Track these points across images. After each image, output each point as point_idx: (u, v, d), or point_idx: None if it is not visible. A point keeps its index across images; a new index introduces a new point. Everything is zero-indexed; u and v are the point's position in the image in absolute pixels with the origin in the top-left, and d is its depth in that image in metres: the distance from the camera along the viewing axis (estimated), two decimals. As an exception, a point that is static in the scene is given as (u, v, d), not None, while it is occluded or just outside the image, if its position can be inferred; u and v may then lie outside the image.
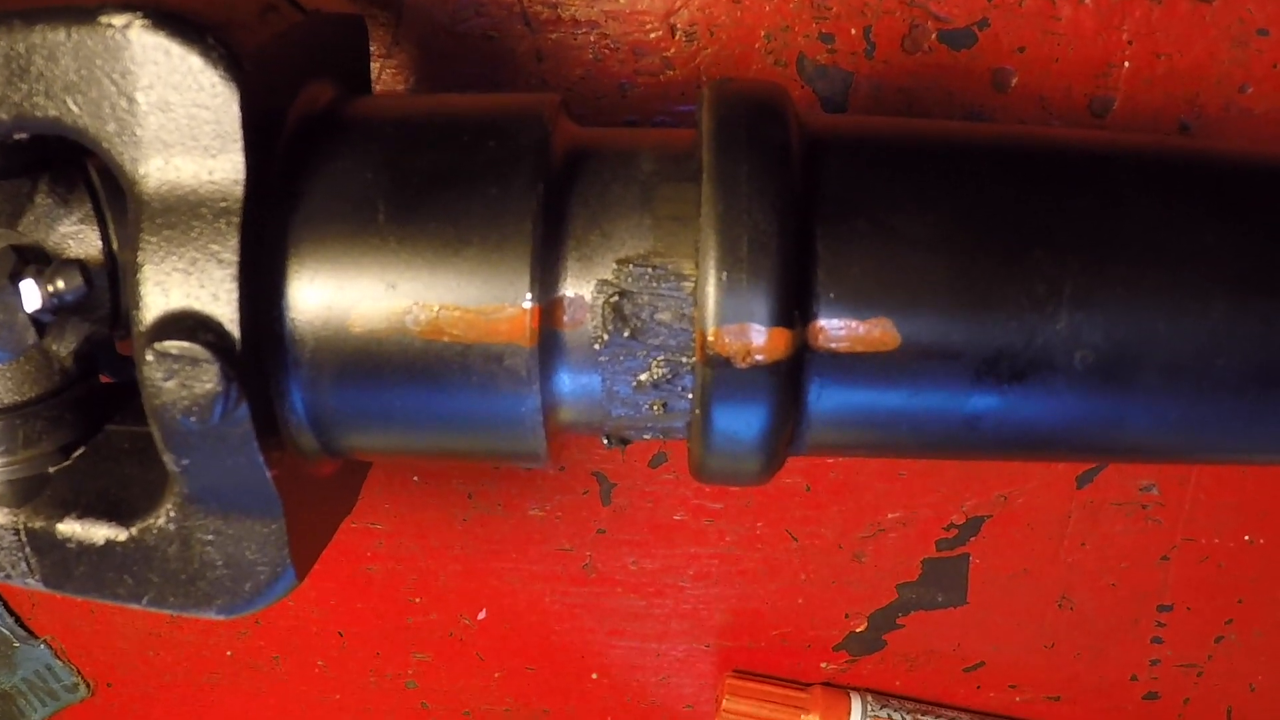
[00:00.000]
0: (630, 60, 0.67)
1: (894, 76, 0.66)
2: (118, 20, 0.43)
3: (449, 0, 0.66)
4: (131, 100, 0.44)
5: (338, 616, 0.92)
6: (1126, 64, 0.65)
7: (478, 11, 0.66)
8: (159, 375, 0.43)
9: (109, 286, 0.52)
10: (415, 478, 0.83)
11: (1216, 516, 0.81)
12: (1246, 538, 0.82)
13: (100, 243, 0.52)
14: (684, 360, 0.47)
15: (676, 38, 0.66)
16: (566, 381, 0.48)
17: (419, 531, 0.86)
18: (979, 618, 0.87)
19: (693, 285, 0.46)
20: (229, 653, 0.96)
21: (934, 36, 0.65)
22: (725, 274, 0.44)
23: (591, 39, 0.67)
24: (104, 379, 0.58)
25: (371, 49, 0.66)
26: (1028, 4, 0.64)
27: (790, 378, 0.46)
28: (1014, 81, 0.66)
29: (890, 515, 0.82)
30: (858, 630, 0.89)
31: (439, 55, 0.67)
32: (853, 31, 0.65)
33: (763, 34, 0.66)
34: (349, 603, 0.91)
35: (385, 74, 0.68)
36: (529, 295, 0.45)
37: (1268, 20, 0.64)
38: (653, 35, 0.66)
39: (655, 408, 0.48)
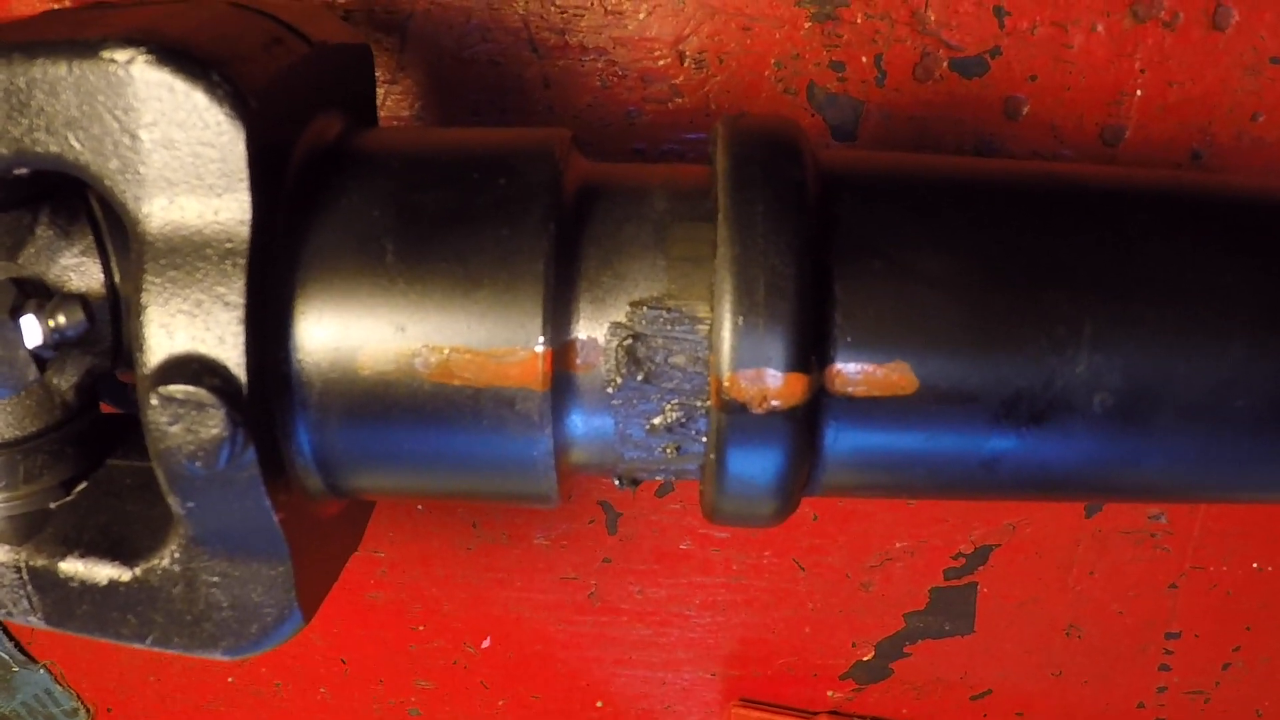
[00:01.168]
0: (638, 87, 0.66)
1: (905, 105, 0.66)
2: (120, 55, 0.43)
3: (455, 26, 0.65)
4: (135, 137, 0.43)
5: (340, 643, 0.92)
6: (1138, 92, 0.65)
7: (484, 37, 0.65)
8: (164, 420, 0.42)
9: (110, 320, 0.51)
10: (419, 506, 0.82)
11: (1225, 544, 0.81)
12: (1255, 565, 0.82)
13: (102, 275, 0.51)
14: (698, 404, 0.46)
15: (685, 65, 0.65)
16: (579, 424, 0.47)
17: (423, 559, 0.85)
18: (986, 646, 0.87)
19: (708, 328, 0.45)
20: (230, 679, 0.96)
21: (945, 65, 0.64)
22: (741, 318, 0.43)
23: (599, 66, 0.66)
24: (105, 408, 0.57)
25: (377, 75, 0.65)
26: (1040, 32, 0.63)
27: (806, 422, 0.45)
28: (1025, 110, 0.65)
29: (898, 544, 0.81)
30: (865, 659, 0.88)
31: (444, 81, 0.67)
32: (864, 59, 0.65)
33: (773, 61, 0.65)
34: (352, 630, 0.90)
35: (390, 100, 0.67)
36: (542, 338, 0.44)
37: (1280, 48, 0.63)
38: (661, 62, 0.65)
39: (668, 451, 0.47)
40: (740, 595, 0.85)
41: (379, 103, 0.66)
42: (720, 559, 0.83)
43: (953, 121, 0.66)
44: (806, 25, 0.64)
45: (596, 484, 0.80)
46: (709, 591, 0.85)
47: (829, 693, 0.91)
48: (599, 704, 0.93)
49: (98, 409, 0.56)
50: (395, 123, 0.68)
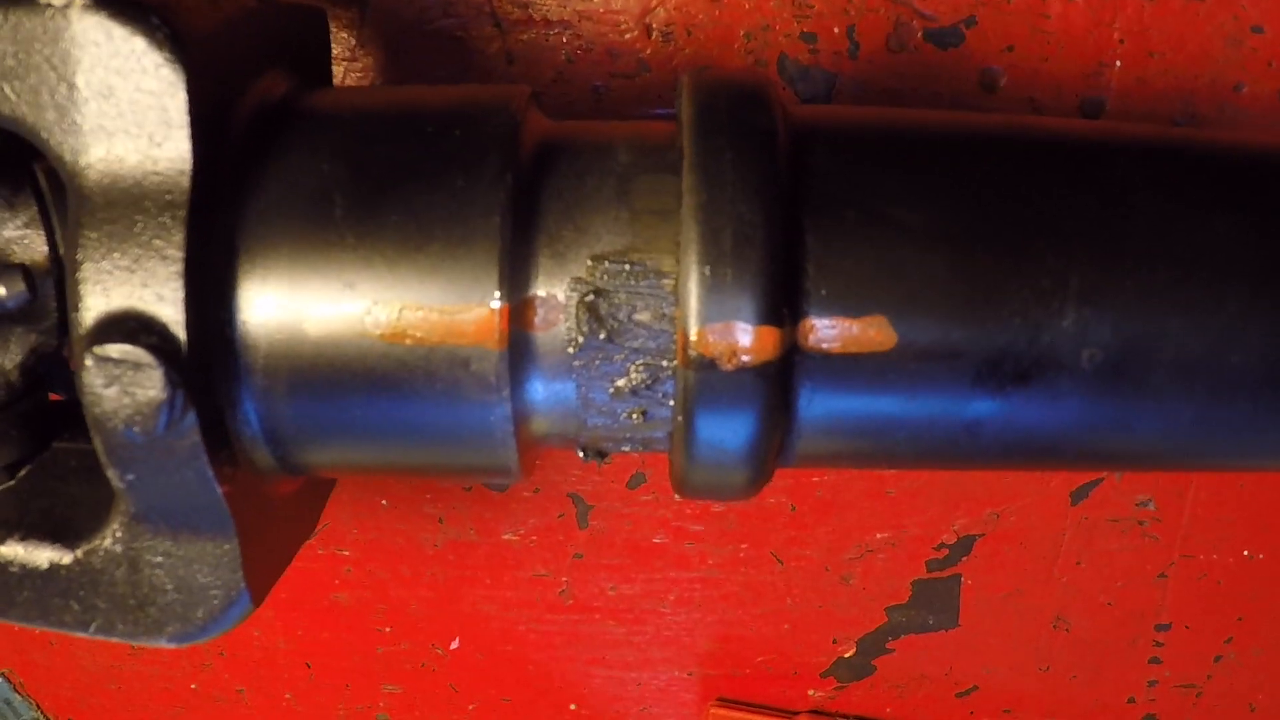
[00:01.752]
0: (605, 62, 0.65)
1: (879, 77, 0.64)
2: (57, 0, 0.41)
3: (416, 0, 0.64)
4: (72, 86, 0.42)
5: (305, 647, 0.90)
6: (1118, 63, 0.63)
7: (446, 11, 0.64)
8: (99, 381, 0.40)
9: (56, 295, 0.49)
10: (384, 501, 0.80)
11: (1215, 532, 0.80)
12: (1245, 553, 0.81)
13: (47, 248, 0.49)
14: (664, 364, 0.44)
15: (653, 38, 0.64)
16: (539, 388, 0.45)
17: (388, 558, 0.83)
18: (971, 640, 0.85)
19: (673, 282, 0.43)
20: (193, 685, 0.94)
21: (919, 35, 0.63)
22: (708, 269, 0.41)
23: (564, 40, 0.64)
24: (53, 396, 0.55)
25: (335, 50, 0.64)
26: (1016, 1, 0.62)
27: (779, 381, 0.43)
28: (1002, 81, 0.64)
29: (878, 535, 0.80)
30: (846, 655, 0.87)
31: (406, 57, 0.65)
32: (835, 30, 0.63)
33: (742, 34, 0.63)
34: (316, 633, 0.89)
35: (350, 77, 0.66)
36: (497, 294, 0.42)
37: (1262, 17, 0.62)
38: (628, 36, 0.64)
39: (634, 416, 0.45)
40: (716, 591, 0.83)
41: (339, 80, 0.65)
42: (695, 553, 0.81)
43: (928, 94, 0.65)
44: (777, -5, 0.63)
45: (566, 475, 0.78)
46: (684, 587, 0.83)
47: (810, 691, 0.89)
48: (573, 706, 0.91)
49: (43, 390, 0.54)
50: (354, 99, 0.66)
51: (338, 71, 0.65)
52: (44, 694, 0.97)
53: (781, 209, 0.42)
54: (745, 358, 0.42)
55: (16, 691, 0.97)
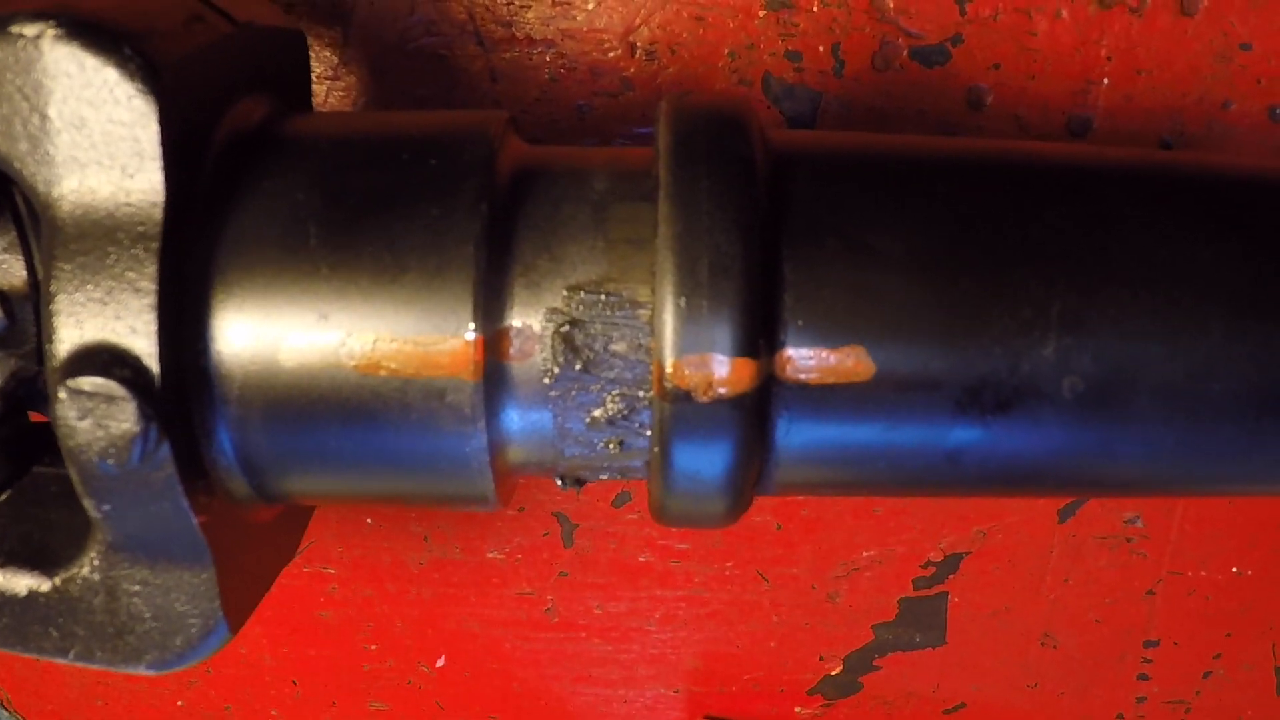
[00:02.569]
0: (588, 81, 0.64)
1: (864, 95, 0.64)
2: (29, 30, 0.41)
3: (398, 18, 0.63)
4: (44, 117, 0.41)
5: (291, 664, 0.89)
6: (1105, 81, 0.63)
7: (429, 30, 0.63)
8: (73, 414, 0.40)
9: (35, 319, 0.49)
10: (369, 520, 0.80)
11: (1203, 548, 0.79)
12: (1234, 570, 0.80)
13: (25, 273, 0.49)
14: (641, 394, 0.44)
15: (636, 57, 0.64)
16: (515, 418, 0.45)
17: (374, 576, 0.83)
18: (959, 658, 0.85)
19: (649, 313, 0.43)
20: (180, 703, 0.94)
21: (905, 54, 0.63)
22: (684, 300, 0.41)
23: (548, 59, 0.64)
24: (35, 417, 0.55)
25: (318, 70, 0.64)
26: (1002, 19, 0.62)
27: (756, 412, 0.43)
28: (989, 99, 0.64)
29: (865, 553, 0.79)
30: (833, 673, 0.86)
31: (389, 76, 0.65)
32: (821, 49, 0.63)
33: (726, 52, 0.63)
34: (302, 650, 0.88)
35: (333, 96, 0.65)
36: (472, 325, 0.42)
37: (1251, 34, 0.62)
38: (611, 55, 0.64)
39: (611, 446, 0.45)
40: (702, 609, 0.83)
41: (321, 100, 0.65)
42: (681, 571, 0.81)
43: (914, 112, 0.64)
44: (761, 14, 0.62)
45: (551, 495, 0.78)
46: (670, 605, 0.83)
47: (796, 709, 0.89)
48: (559, 723, 0.91)
49: (24, 415, 0.54)
50: (336, 118, 0.66)
51: (321, 91, 0.65)
52: (32, 711, 0.97)
53: (758, 238, 0.42)
54: (721, 389, 0.41)
55: (4, 708, 0.96)
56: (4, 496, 0.52)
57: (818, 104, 0.64)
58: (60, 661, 0.48)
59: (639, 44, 0.63)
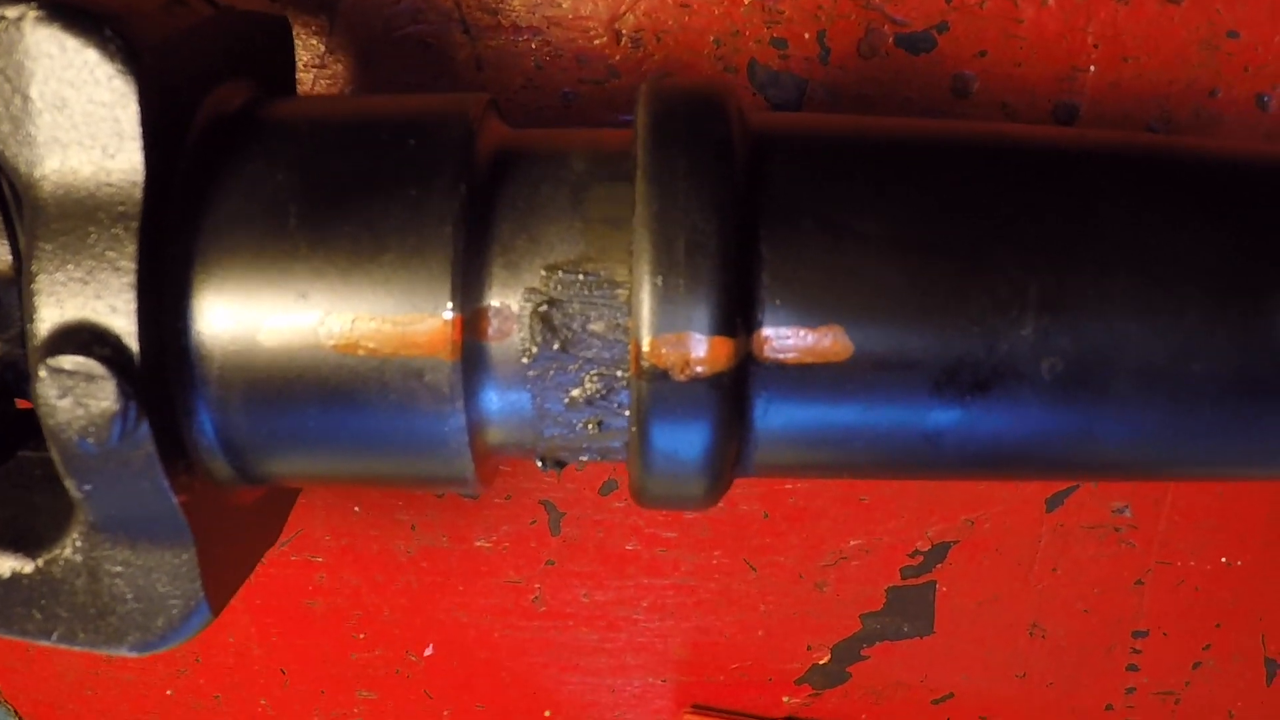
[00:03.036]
0: (573, 68, 0.64)
1: (850, 82, 0.64)
2: (10, 12, 0.41)
3: (384, 6, 0.63)
4: (25, 98, 0.41)
5: (280, 653, 0.89)
6: (1092, 68, 0.63)
7: (415, 18, 0.64)
8: (53, 393, 0.40)
9: (19, 304, 0.49)
10: (356, 508, 0.80)
11: (1192, 538, 0.79)
12: (1223, 559, 0.80)
13: (10, 258, 0.49)
14: (619, 374, 0.44)
15: (622, 44, 0.64)
16: (493, 399, 0.45)
17: (361, 565, 0.83)
18: (947, 647, 0.85)
19: (627, 292, 0.43)
20: (169, 692, 0.93)
21: (891, 40, 0.63)
22: (661, 279, 0.41)
23: (533, 46, 0.64)
24: (20, 404, 0.55)
25: (304, 58, 0.64)
26: (988, 6, 0.62)
27: (734, 391, 0.43)
28: (975, 87, 0.64)
29: (852, 542, 0.79)
30: (821, 662, 0.86)
31: (375, 63, 0.65)
32: (806, 36, 0.63)
33: (712, 39, 0.63)
34: (291, 639, 0.88)
35: (319, 84, 0.65)
36: (450, 305, 0.42)
37: (1237, 21, 0.62)
38: (597, 42, 0.64)
39: (590, 426, 0.45)
40: (690, 598, 0.83)
41: (307, 88, 0.65)
42: (668, 559, 0.81)
43: (900, 100, 0.64)
44: (747, 1, 0.62)
45: (538, 483, 0.78)
46: (657, 594, 0.83)
47: (784, 698, 0.89)
48: (547, 713, 0.91)
49: (9, 400, 0.54)
50: (323, 106, 0.66)
51: (307, 78, 0.65)
52: (21, 699, 0.97)
53: (735, 218, 0.42)
54: (699, 368, 0.41)
55: (-6, 698, 0.97)
56: (-11, 481, 0.52)
57: (803, 91, 0.64)
58: (44, 643, 0.48)
59: (624, 31, 0.63)
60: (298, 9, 0.64)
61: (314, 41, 0.64)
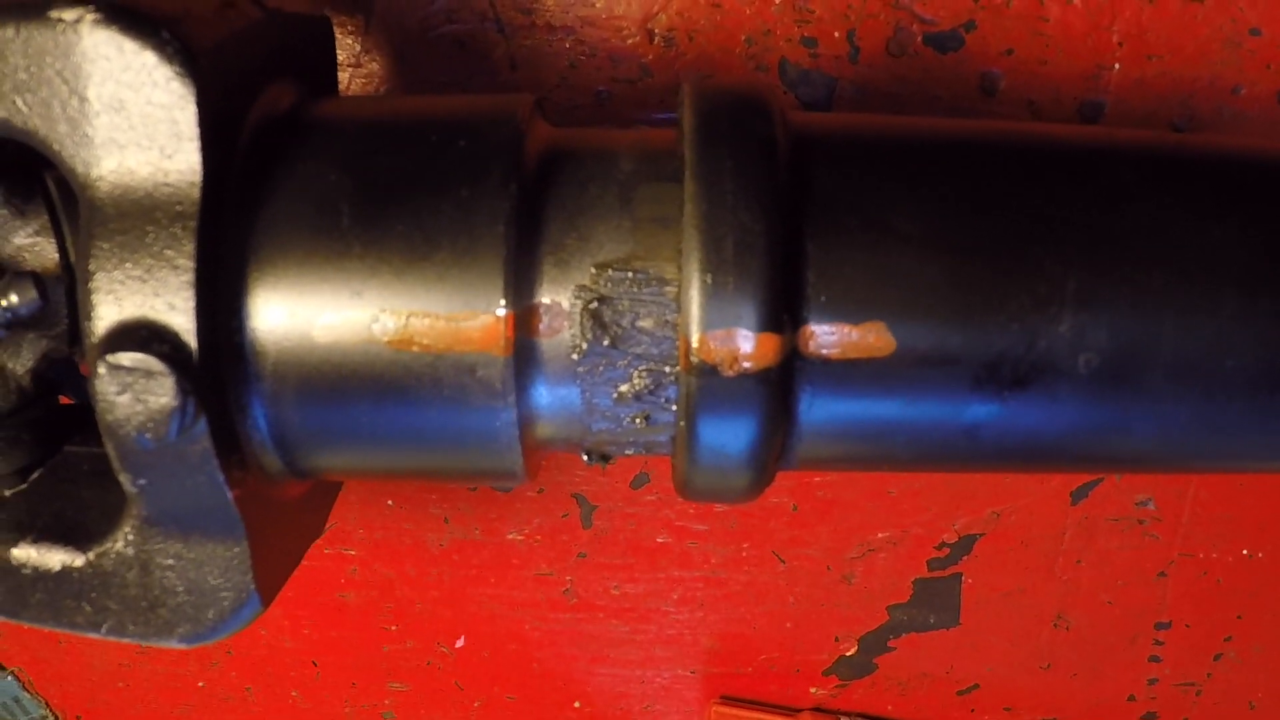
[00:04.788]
0: (607, 67, 0.65)
1: (879, 81, 0.64)
2: (68, 15, 0.41)
3: (419, 6, 0.64)
4: (83, 99, 0.42)
5: (312, 645, 0.90)
6: (1117, 66, 0.63)
7: (450, 18, 0.64)
8: (112, 389, 0.41)
9: (66, 301, 0.50)
10: (390, 502, 0.81)
11: (1215, 530, 0.80)
12: (1245, 552, 0.81)
13: (57, 255, 0.49)
14: (667, 369, 0.44)
15: (655, 43, 0.64)
16: (543, 394, 0.46)
17: (394, 557, 0.84)
18: (972, 639, 0.86)
19: (676, 290, 0.44)
20: (201, 683, 0.94)
21: (919, 39, 0.63)
22: (710, 277, 0.42)
23: (567, 45, 0.65)
24: (64, 400, 0.56)
25: (340, 57, 0.64)
26: (1015, 5, 0.62)
27: (780, 386, 0.43)
28: (1002, 85, 0.64)
29: (880, 535, 0.80)
30: (848, 654, 0.87)
31: (410, 62, 0.66)
32: (836, 35, 0.63)
33: (743, 38, 0.64)
34: (323, 631, 0.89)
35: (355, 83, 0.66)
36: (503, 302, 0.43)
37: (1260, 19, 0.62)
38: (630, 41, 0.64)
39: (637, 420, 0.46)
40: (719, 590, 0.84)
41: (344, 86, 0.65)
42: (698, 552, 0.82)
43: (928, 98, 0.65)
44: (777, 1, 0.63)
45: (570, 476, 0.79)
46: (687, 586, 0.83)
47: (811, 689, 0.90)
48: (576, 704, 0.91)
49: (55, 395, 0.55)
50: (359, 105, 0.66)
51: (343, 78, 0.65)
52: (53, 692, 0.98)
53: (782, 217, 0.43)
54: (746, 364, 0.42)
55: (26, 690, 0.97)
56: (36, 475, 0.53)
57: (833, 89, 0.65)
58: (93, 636, 0.49)
59: (657, 30, 0.64)
60: (334, 8, 0.64)
61: (350, 41, 0.65)
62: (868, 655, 0.87)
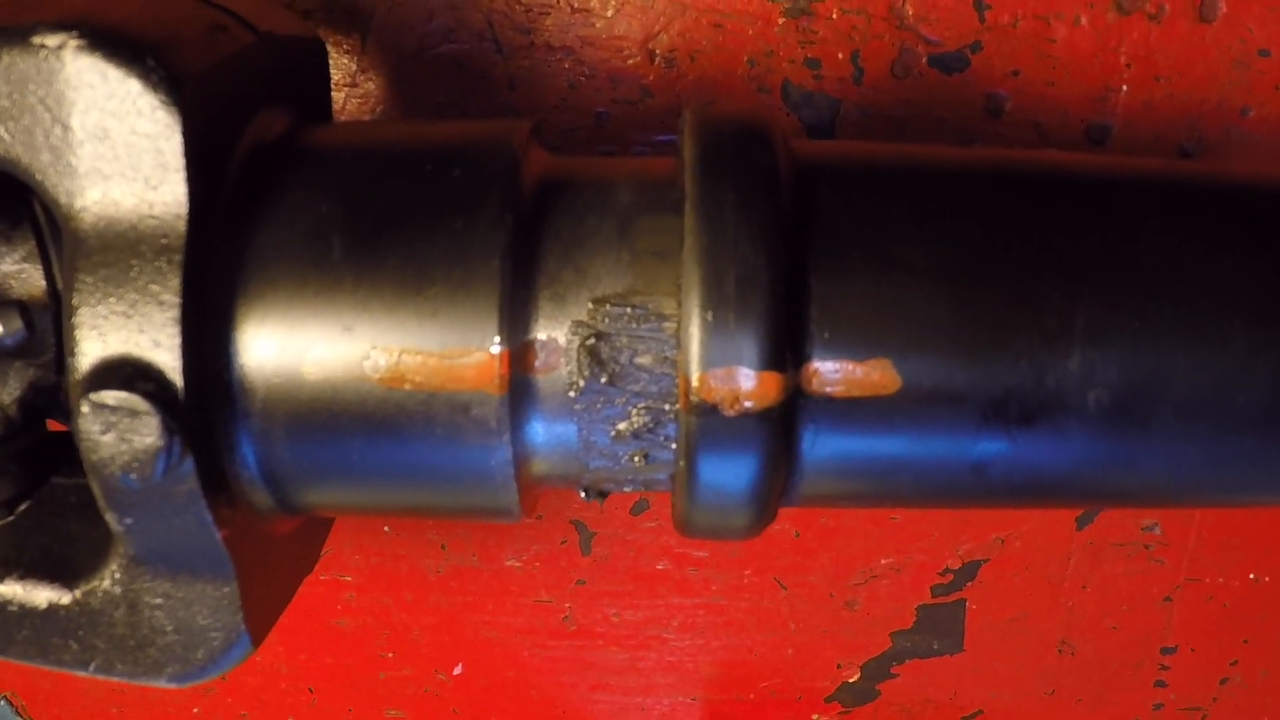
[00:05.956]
0: (607, 88, 0.64)
1: (883, 103, 0.64)
2: (51, 41, 0.40)
3: (417, 25, 0.63)
4: (66, 128, 0.41)
5: (308, 672, 0.89)
6: (1124, 87, 0.63)
7: (447, 37, 0.63)
8: (95, 429, 0.40)
9: (53, 329, 0.49)
10: (386, 528, 0.80)
11: (1220, 555, 0.79)
12: (1251, 576, 0.80)
13: (44, 283, 0.49)
14: (666, 407, 0.43)
15: (655, 64, 0.63)
16: (540, 432, 0.45)
17: (391, 584, 0.83)
18: (976, 665, 0.85)
19: (675, 326, 0.43)
20: (196, 710, 0.93)
21: (924, 61, 0.63)
22: (710, 313, 0.41)
23: (566, 66, 0.64)
24: (53, 425, 0.55)
25: (336, 77, 0.64)
26: (1021, 26, 0.61)
27: (782, 425, 0.42)
28: (1008, 106, 0.63)
29: (883, 561, 0.79)
30: (851, 680, 0.86)
31: (407, 82, 0.65)
32: (840, 56, 0.63)
33: (746, 59, 0.63)
34: (319, 658, 0.88)
35: (351, 104, 0.65)
36: (497, 339, 0.42)
37: (1269, 40, 0.62)
38: (630, 61, 0.63)
39: (636, 459, 0.45)
40: (720, 616, 0.83)
41: (339, 107, 0.64)
42: (699, 579, 0.81)
43: (933, 120, 0.64)
44: (780, 21, 0.62)
45: (569, 503, 0.78)
46: (687, 613, 0.82)
47: (814, 716, 0.89)
48: (576, 731, 0.91)
49: (43, 425, 0.54)
50: (354, 126, 0.65)
51: (339, 98, 0.64)
52: (46, 718, 0.97)
53: (785, 251, 0.42)
54: (748, 403, 0.41)
55: (18, 715, 0.96)
56: (23, 507, 0.52)
57: (837, 111, 0.64)
58: (80, 674, 0.48)
59: (658, 51, 0.63)
60: (330, 27, 0.63)
61: (346, 60, 0.64)
62: (871, 682, 0.86)
